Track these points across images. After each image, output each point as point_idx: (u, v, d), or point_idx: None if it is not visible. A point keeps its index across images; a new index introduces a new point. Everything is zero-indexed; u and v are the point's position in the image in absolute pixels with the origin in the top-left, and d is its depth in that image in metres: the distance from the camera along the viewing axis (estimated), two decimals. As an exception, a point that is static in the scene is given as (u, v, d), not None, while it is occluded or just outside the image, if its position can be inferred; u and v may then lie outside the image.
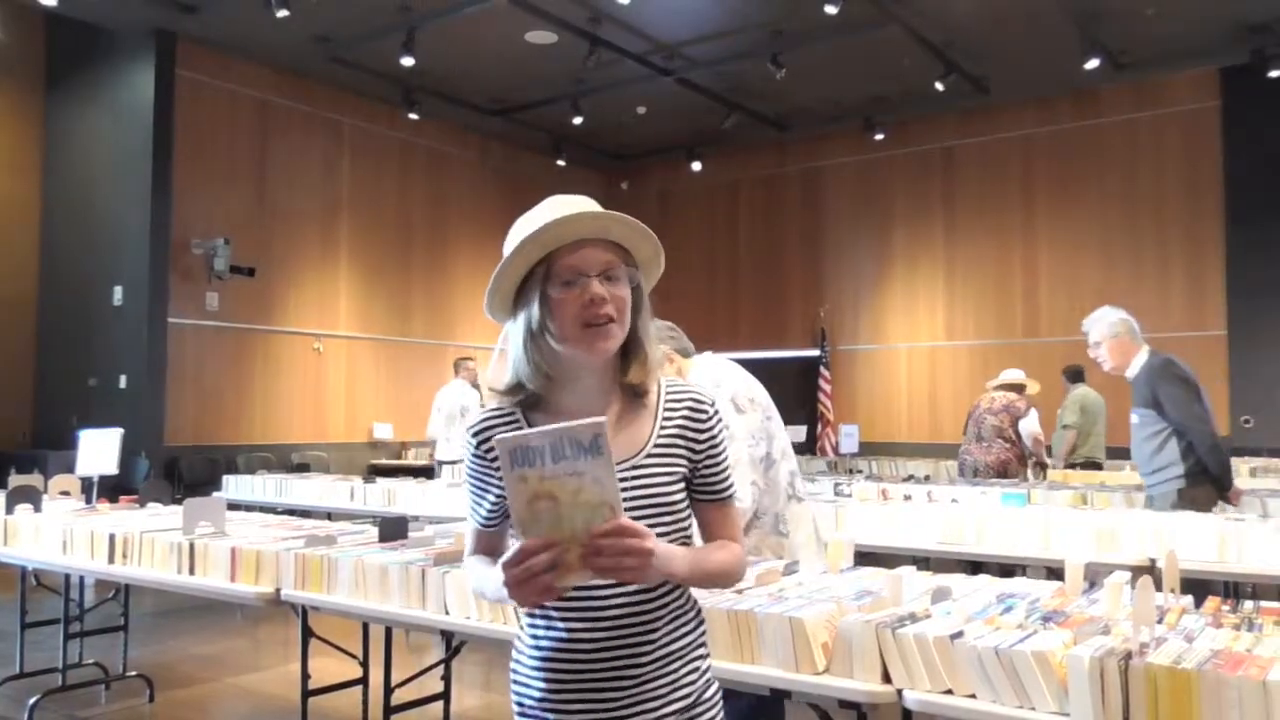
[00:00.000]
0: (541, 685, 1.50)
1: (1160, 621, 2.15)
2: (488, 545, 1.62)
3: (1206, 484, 4.61)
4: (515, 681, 1.56)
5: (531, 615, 1.53)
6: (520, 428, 1.54)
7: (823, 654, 2.19)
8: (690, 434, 1.56)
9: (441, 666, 3.99)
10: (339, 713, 4.35)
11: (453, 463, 8.51)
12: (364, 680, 3.99)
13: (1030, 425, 7.39)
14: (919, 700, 2.05)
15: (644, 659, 1.48)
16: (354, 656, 3.97)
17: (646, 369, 1.55)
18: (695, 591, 1.61)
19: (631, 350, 1.55)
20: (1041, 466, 7.66)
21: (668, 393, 1.58)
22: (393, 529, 3.63)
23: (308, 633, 3.42)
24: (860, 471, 9.51)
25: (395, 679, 3.88)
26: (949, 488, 5.94)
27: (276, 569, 3.38)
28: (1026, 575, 4.11)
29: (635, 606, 1.48)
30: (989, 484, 6.28)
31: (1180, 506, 4.55)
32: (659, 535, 1.44)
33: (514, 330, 1.55)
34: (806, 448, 11.38)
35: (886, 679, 2.10)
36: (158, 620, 6.68)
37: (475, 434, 1.57)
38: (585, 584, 1.38)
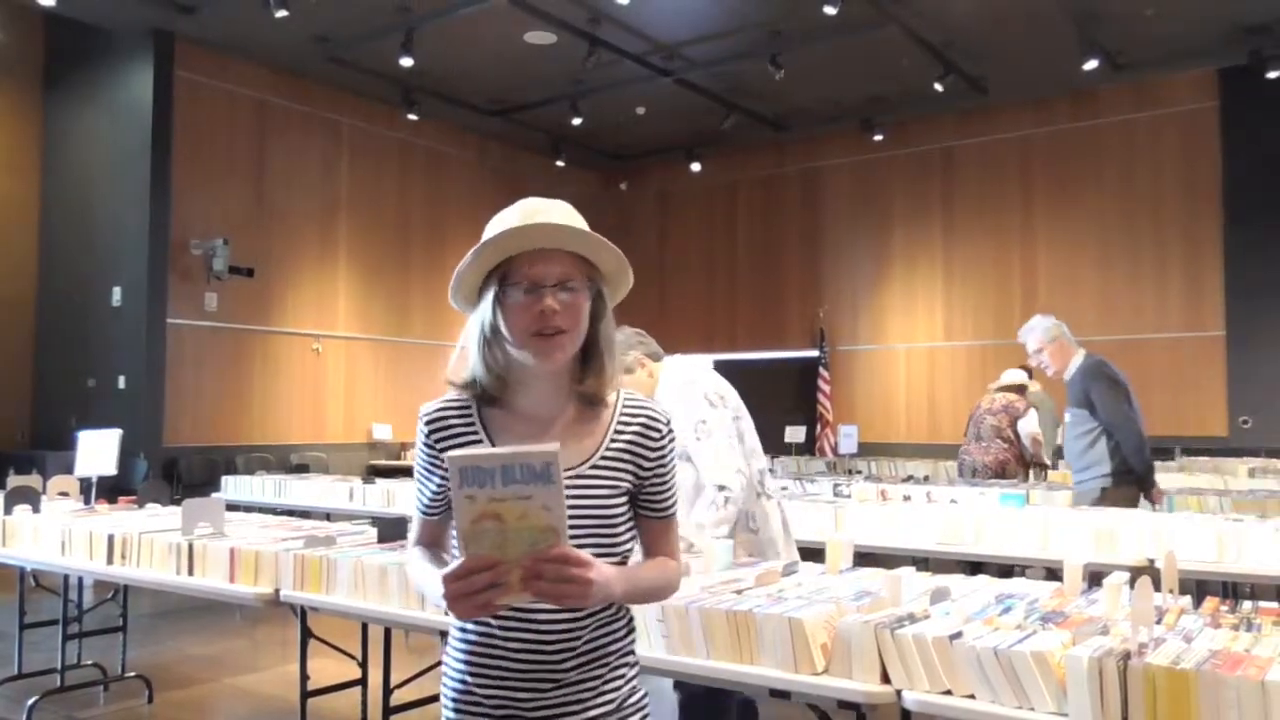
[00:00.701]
0: (466, 678, 1.51)
1: (1159, 622, 2.15)
2: (430, 534, 1.63)
3: (1131, 483, 4.82)
4: (444, 673, 1.57)
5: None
6: (472, 421, 1.56)
7: (822, 654, 2.19)
8: (639, 450, 1.56)
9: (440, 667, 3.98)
10: (338, 714, 4.35)
11: None
12: (363, 681, 3.99)
13: (1029, 426, 7.36)
14: (918, 701, 2.05)
15: (567, 662, 1.48)
16: (353, 657, 3.97)
17: (602, 379, 1.55)
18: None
19: (589, 358, 1.55)
20: (1041, 467, 7.61)
21: (624, 407, 1.58)
22: (392, 530, 3.63)
23: (307, 633, 3.42)
24: (859, 472, 9.51)
25: (394, 680, 3.87)
26: (948, 488, 5.94)
27: (275, 569, 3.38)
28: (1025, 576, 4.12)
29: (566, 619, 1.48)
30: (987, 484, 6.28)
31: (1102, 503, 4.72)
32: (596, 548, 1.46)
33: (471, 327, 1.55)
34: (806, 448, 11.38)
35: (885, 679, 2.11)
36: (156, 621, 6.68)
37: (427, 422, 1.58)
38: (524, 605, 1.39)
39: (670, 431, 1.59)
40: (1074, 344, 5.07)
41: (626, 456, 1.54)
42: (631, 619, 1.60)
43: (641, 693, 1.59)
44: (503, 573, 1.27)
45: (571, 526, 1.36)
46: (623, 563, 1.54)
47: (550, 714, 1.48)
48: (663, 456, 1.57)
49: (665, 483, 1.58)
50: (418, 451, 1.60)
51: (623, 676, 1.55)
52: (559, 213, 1.53)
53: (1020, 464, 7.36)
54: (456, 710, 1.53)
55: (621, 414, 1.57)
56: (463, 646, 1.53)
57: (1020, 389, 7.59)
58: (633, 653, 1.59)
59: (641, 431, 1.56)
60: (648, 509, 1.58)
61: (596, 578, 1.31)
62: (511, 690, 1.48)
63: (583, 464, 1.52)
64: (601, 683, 1.51)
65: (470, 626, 1.51)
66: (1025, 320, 5.31)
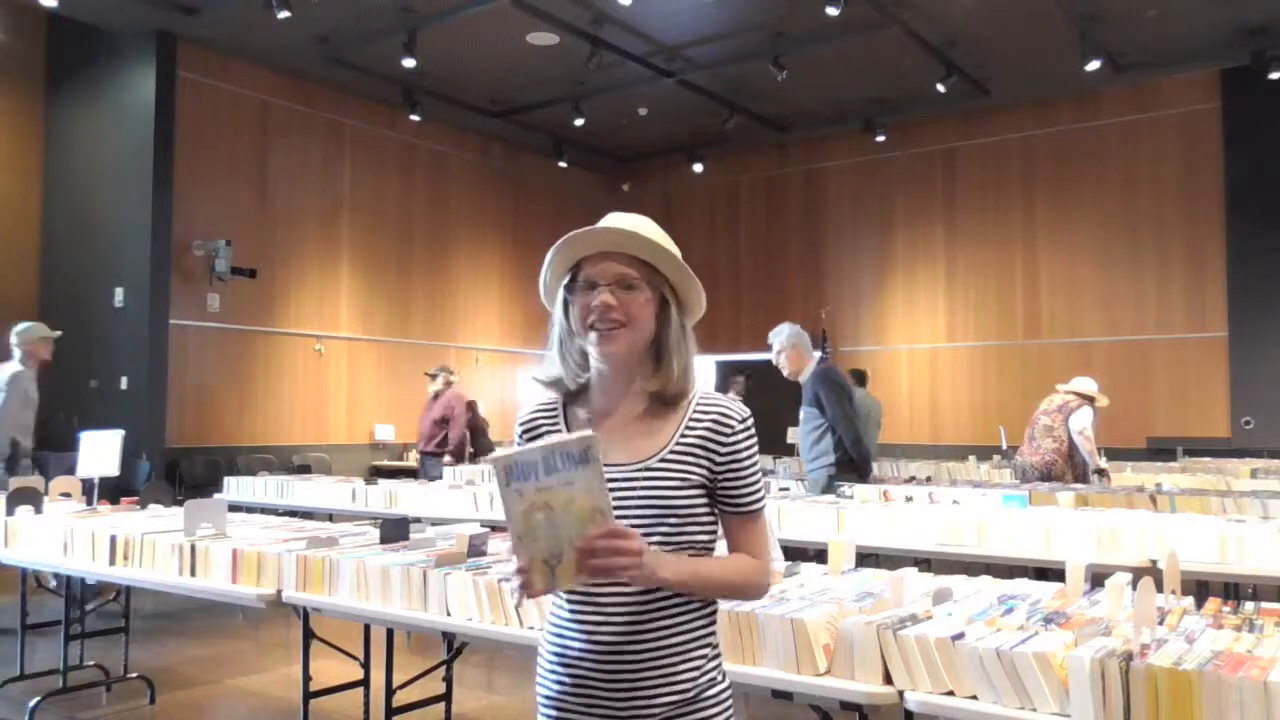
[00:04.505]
0: (550, 664, 1.62)
1: (1161, 623, 2.15)
2: None
3: (851, 472, 5.60)
4: (538, 665, 1.67)
5: (553, 601, 1.65)
6: (558, 421, 1.68)
7: (824, 655, 2.19)
8: (711, 444, 1.61)
9: (443, 668, 3.99)
10: (340, 714, 4.35)
11: None
12: (365, 682, 3.99)
13: (1079, 422, 6.79)
14: (920, 701, 2.05)
15: (635, 647, 1.55)
16: (355, 658, 3.97)
17: (668, 378, 1.63)
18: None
19: (659, 359, 1.65)
20: (1100, 472, 6.87)
21: (698, 404, 1.65)
22: (394, 530, 3.63)
23: (309, 634, 3.43)
24: (861, 473, 9.47)
25: (396, 681, 3.88)
26: (950, 489, 5.93)
27: (278, 571, 3.38)
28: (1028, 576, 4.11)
29: (631, 602, 1.55)
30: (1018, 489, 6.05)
31: (829, 490, 5.54)
32: (662, 538, 1.53)
33: (552, 328, 1.70)
34: (807, 449, 11.38)
35: (888, 680, 2.11)
36: (159, 622, 6.69)
37: (523, 425, 1.71)
38: (582, 587, 1.49)
39: (744, 428, 1.64)
40: (809, 352, 5.73)
41: (698, 451, 1.60)
42: (711, 612, 1.64)
43: (722, 684, 1.62)
44: (550, 567, 1.36)
45: (638, 516, 1.52)
46: (697, 556, 1.59)
47: (622, 697, 1.54)
48: (736, 451, 1.62)
49: (741, 477, 1.62)
50: None
51: (698, 668, 1.58)
52: (629, 222, 1.66)
53: (1069, 464, 6.82)
54: (545, 699, 1.62)
55: (694, 411, 1.64)
56: (547, 635, 1.64)
57: (1088, 400, 6.93)
58: (712, 645, 1.63)
59: (713, 426, 1.62)
60: (725, 503, 1.63)
61: (644, 549, 1.40)
62: (584, 673, 1.56)
63: (652, 457, 1.59)
64: (674, 671, 1.56)
65: (551, 618, 1.63)
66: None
